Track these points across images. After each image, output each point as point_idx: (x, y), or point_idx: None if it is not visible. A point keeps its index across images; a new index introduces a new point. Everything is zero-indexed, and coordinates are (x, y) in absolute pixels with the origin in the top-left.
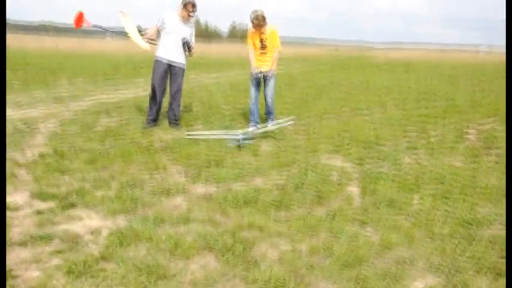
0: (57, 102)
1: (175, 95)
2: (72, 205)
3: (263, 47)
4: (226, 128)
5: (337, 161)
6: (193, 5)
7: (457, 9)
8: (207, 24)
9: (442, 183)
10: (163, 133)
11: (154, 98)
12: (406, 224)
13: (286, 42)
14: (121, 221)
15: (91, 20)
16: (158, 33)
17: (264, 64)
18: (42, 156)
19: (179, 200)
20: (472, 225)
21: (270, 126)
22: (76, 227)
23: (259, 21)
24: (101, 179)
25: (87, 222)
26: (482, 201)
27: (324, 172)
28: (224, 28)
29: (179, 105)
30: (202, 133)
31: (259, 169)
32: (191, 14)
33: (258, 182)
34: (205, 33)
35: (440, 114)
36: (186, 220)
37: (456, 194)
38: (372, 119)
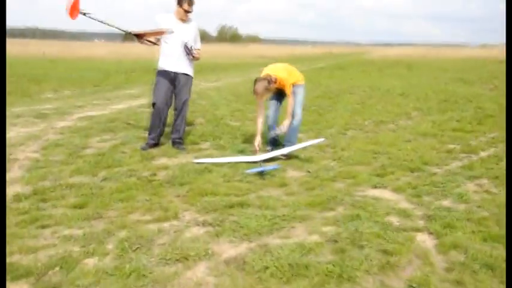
0: (40, 120)
1: (182, 110)
2: (54, 287)
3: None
4: (240, 152)
5: (387, 194)
6: (191, 2)
7: (441, 7)
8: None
9: None
10: (167, 157)
11: (158, 117)
12: None
13: (275, 42)
14: None
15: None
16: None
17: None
18: (17, 198)
19: (203, 271)
20: None
21: (294, 148)
22: None
23: (264, 91)
24: (94, 236)
25: None
26: None
27: (378, 213)
28: (212, 30)
29: (184, 122)
30: (213, 160)
31: (295, 210)
32: (189, 11)
33: (301, 232)
34: None
35: (476, 125)
36: None
37: None
38: (403, 134)
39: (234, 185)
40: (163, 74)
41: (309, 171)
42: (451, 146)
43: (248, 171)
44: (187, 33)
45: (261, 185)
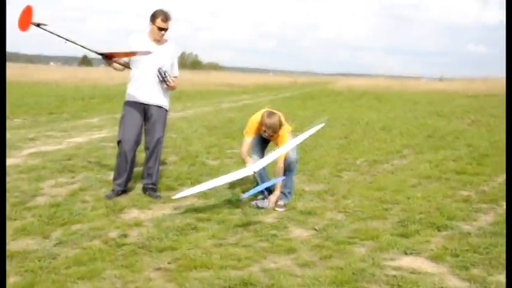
0: None
1: (154, 150)
2: None
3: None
4: (228, 202)
5: (426, 265)
6: (166, 17)
7: (399, 41)
8: None
9: None
10: (138, 209)
11: (124, 158)
12: None
13: (235, 70)
14: None
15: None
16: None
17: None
18: None
19: None
20: None
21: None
22: None
23: (274, 131)
24: None
25: None
26: None
27: None
28: None
29: (158, 165)
30: (196, 189)
31: None
32: (164, 28)
33: None
34: None
35: (476, 167)
36: None
37: None
38: (403, 176)
39: (228, 250)
40: (132, 105)
41: (315, 229)
42: (465, 193)
43: (245, 195)
44: (163, 57)
45: (262, 250)
